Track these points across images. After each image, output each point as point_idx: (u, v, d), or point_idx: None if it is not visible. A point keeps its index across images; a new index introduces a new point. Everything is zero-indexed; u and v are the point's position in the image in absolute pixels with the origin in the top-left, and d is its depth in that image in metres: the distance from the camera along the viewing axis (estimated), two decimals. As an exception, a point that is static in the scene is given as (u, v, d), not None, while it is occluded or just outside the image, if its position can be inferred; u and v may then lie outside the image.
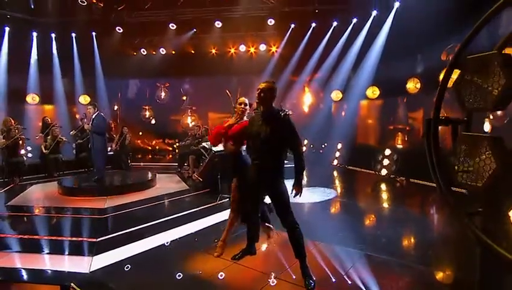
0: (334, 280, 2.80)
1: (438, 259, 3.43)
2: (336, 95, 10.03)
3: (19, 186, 6.81)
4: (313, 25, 9.86)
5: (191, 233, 4.00)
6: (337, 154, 9.48)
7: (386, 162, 7.45)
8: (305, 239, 2.74)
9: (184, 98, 12.11)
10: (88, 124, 6.30)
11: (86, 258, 3.27)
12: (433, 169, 1.47)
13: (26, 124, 8.13)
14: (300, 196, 2.70)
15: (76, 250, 3.58)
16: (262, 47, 10.80)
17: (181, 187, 6.77)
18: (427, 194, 6.13)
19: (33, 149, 8.79)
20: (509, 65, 1.19)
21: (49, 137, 8.03)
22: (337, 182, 7.72)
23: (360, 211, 5.28)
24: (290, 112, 2.81)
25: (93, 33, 10.57)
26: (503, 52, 1.24)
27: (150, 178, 6.90)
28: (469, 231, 1.31)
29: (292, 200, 2.72)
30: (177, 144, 10.90)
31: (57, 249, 3.59)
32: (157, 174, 7.21)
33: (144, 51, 11.30)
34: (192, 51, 11.27)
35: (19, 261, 3.32)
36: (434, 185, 1.62)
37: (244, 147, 3.22)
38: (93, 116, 6.18)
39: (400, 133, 8.29)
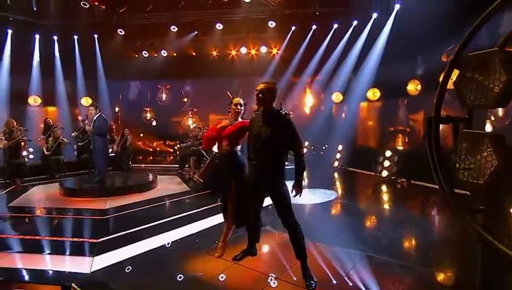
0: (334, 281, 2.79)
1: (439, 260, 3.41)
2: (337, 96, 10.04)
3: (21, 187, 6.82)
4: (314, 27, 9.91)
5: (192, 234, 3.99)
6: (338, 155, 9.47)
7: (386, 163, 7.44)
8: (306, 240, 2.73)
9: (185, 100, 12.15)
10: (89, 126, 6.31)
11: (87, 259, 3.27)
12: (435, 168, 1.47)
13: (28, 126, 8.16)
14: (300, 196, 2.69)
15: (78, 250, 3.58)
16: (263, 49, 10.84)
17: (182, 188, 6.77)
18: (428, 196, 6.12)
19: (35, 151, 8.82)
20: (510, 62, 1.20)
21: (50, 138, 8.05)
22: (337, 183, 7.71)
23: (361, 213, 5.27)
24: (291, 113, 2.82)
25: (95, 35, 10.65)
26: (504, 49, 1.24)
27: (151, 179, 6.90)
28: (470, 228, 1.31)
29: (293, 201, 2.72)
30: (178, 146, 10.92)
31: (58, 249, 3.59)
32: (158, 176, 7.21)
33: (145, 53, 11.37)
34: (194, 53, 11.33)
35: (20, 261, 3.33)
36: (435, 186, 1.62)
37: (239, 147, 3.17)
38: (95, 118, 6.18)
39: (400, 134, 8.29)
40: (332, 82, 9.92)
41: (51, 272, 3.05)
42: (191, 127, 11.04)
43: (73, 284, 2.76)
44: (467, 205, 1.42)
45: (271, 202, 2.83)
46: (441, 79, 1.55)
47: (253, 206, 2.97)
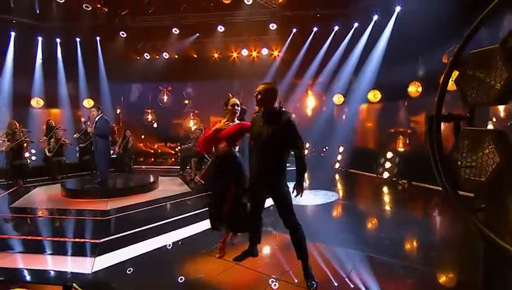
0: (335, 281, 2.78)
1: (440, 261, 3.40)
2: (338, 98, 10.04)
3: (23, 188, 6.84)
4: (315, 29, 9.93)
5: (193, 235, 3.99)
6: (339, 157, 9.46)
7: (387, 165, 7.42)
8: (307, 241, 2.72)
9: (186, 101, 12.19)
10: (91, 127, 6.33)
11: (88, 259, 3.28)
12: (436, 166, 1.47)
13: (31, 127, 8.18)
14: (301, 196, 2.69)
15: (79, 251, 3.59)
16: (265, 51, 10.88)
17: (183, 190, 6.77)
18: (429, 197, 6.10)
19: (37, 152, 8.86)
20: (511, 59, 1.20)
21: (52, 140, 8.08)
22: (338, 185, 7.70)
23: (362, 214, 5.26)
24: (292, 115, 2.82)
25: (97, 38, 10.70)
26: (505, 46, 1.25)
27: (152, 181, 6.92)
28: (471, 225, 1.31)
29: (294, 202, 2.71)
30: (179, 147, 10.94)
31: (59, 250, 3.61)
32: (159, 177, 7.22)
33: (147, 55, 11.43)
34: (195, 55, 11.38)
35: (22, 261, 3.34)
36: (436, 188, 1.62)
37: (237, 148, 3.17)
38: (97, 119, 6.21)
39: (401, 136, 8.27)
40: (333, 84, 9.92)
41: (52, 272, 3.06)
42: (192, 128, 11.06)
43: (74, 284, 2.76)
44: (469, 203, 1.41)
45: (272, 203, 2.83)
46: (441, 80, 1.55)
47: (255, 207, 2.96)
